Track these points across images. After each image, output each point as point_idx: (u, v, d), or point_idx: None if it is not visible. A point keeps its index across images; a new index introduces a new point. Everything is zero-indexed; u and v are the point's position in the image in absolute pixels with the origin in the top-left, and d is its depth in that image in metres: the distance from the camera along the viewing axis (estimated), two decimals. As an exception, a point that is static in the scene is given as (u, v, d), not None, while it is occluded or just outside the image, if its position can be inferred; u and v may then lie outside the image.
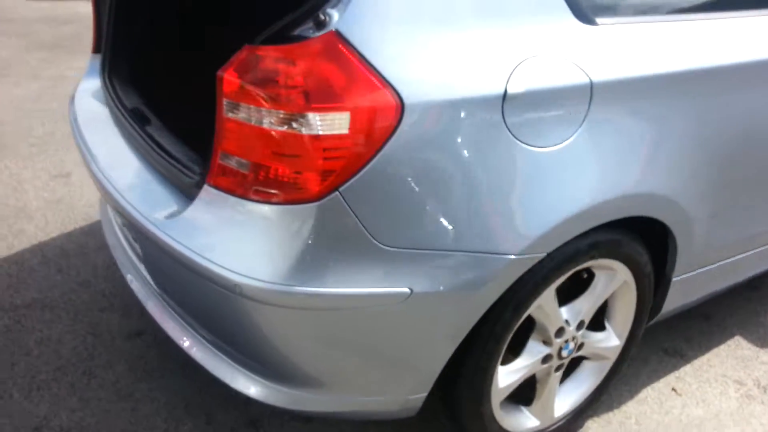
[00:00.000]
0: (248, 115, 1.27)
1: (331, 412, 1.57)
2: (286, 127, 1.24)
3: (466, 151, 1.31)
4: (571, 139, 1.41)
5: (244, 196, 1.32)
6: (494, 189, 1.35)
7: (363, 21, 1.23)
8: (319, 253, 1.29)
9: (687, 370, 2.23)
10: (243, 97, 1.27)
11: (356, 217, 1.28)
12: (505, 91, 1.31)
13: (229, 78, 1.27)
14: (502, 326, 1.51)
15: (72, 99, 2.08)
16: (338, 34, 1.22)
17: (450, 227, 1.34)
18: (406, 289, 1.34)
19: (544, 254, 1.44)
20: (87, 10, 6.63)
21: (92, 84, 2.13)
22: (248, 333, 1.42)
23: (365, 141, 1.24)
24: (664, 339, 2.34)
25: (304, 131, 1.23)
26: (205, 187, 1.38)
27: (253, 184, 1.30)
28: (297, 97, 1.22)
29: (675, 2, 1.61)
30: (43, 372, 2.05)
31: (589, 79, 1.40)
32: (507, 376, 1.65)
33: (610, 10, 1.47)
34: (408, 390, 1.52)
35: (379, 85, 1.23)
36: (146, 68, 2.11)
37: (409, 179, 1.29)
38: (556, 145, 1.39)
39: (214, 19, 2.43)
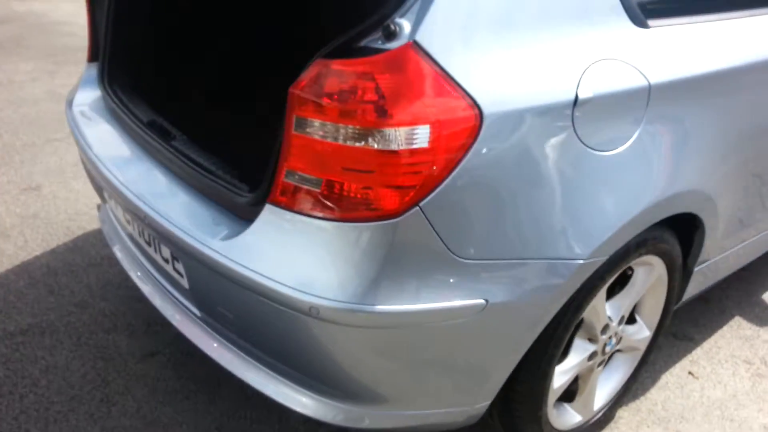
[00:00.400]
0: (321, 131, 1.21)
1: (394, 428, 1.54)
2: (363, 142, 1.19)
3: (538, 159, 1.30)
4: (631, 141, 1.42)
5: (313, 215, 1.26)
6: (564, 195, 1.35)
7: (439, 31, 1.19)
8: (399, 269, 1.25)
9: (698, 353, 2.31)
10: (316, 113, 1.21)
11: (435, 231, 1.24)
12: (576, 96, 1.31)
13: (301, 94, 1.21)
14: (563, 329, 1.51)
15: (71, 111, 1.94)
16: (416, 45, 1.17)
17: (524, 236, 1.32)
18: (482, 301, 1.32)
19: (607, 257, 1.45)
20: (24, 8, 6.24)
21: (90, 94, 1.99)
22: (315, 353, 1.37)
23: (446, 154, 1.20)
24: (671, 324, 2.41)
25: (384, 146, 1.18)
26: (267, 206, 1.31)
27: (324, 202, 1.24)
28: (375, 112, 1.17)
29: (716, 2, 1.65)
30: (57, 403, 1.91)
31: (647, 81, 1.41)
32: (559, 377, 1.66)
33: (659, 13, 1.48)
34: (475, 400, 1.51)
35: (459, 97, 1.20)
36: (151, 76, 1.99)
37: (486, 190, 1.26)
38: (617, 148, 1.40)
39: (219, 24, 2.33)
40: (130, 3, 1.93)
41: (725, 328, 2.44)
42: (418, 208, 1.21)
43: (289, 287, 1.26)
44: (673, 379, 2.18)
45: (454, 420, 1.54)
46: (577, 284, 1.43)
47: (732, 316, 2.50)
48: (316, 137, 1.22)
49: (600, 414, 1.92)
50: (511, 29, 1.26)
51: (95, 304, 2.31)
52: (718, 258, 2.02)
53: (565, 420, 1.81)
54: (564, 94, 1.30)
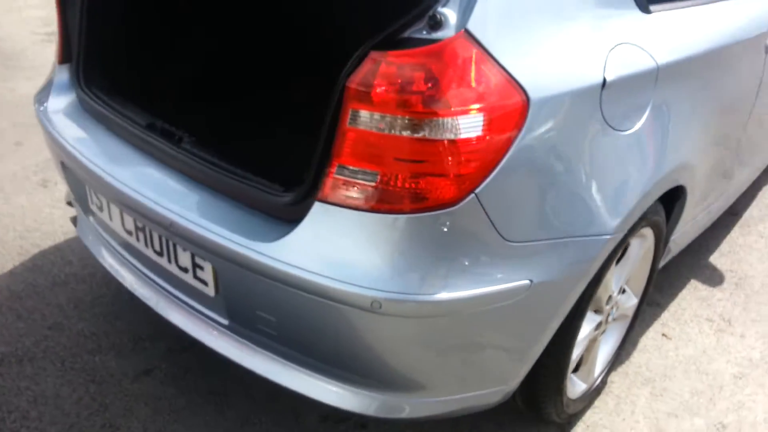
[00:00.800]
0: (377, 123, 1.21)
1: (432, 415, 1.56)
2: (420, 133, 1.20)
3: (573, 141, 1.37)
4: (643, 119, 1.52)
5: (368, 209, 1.26)
6: (595, 174, 1.42)
7: (487, 19, 1.22)
8: (456, 257, 1.28)
9: (666, 316, 2.49)
10: (372, 106, 1.21)
11: (488, 217, 1.28)
12: (604, 79, 1.38)
13: (357, 87, 1.20)
14: (585, 302, 1.59)
15: (47, 116, 1.80)
16: (468, 34, 1.20)
17: (562, 216, 1.39)
18: (527, 281, 1.37)
19: (625, 231, 1.54)
20: None
21: (65, 98, 1.86)
22: (363, 347, 1.37)
23: (498, 140, 1.24)
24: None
25: (440, 136, 1.20)
26: (317, 204, 1.30)
27: (380, 195, 1.25)
28: (431, 102, 1.19)
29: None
30: (55, 434, 1.79)
31: (655, 62, 1.51)
32: (575, 348, 1.74)
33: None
34: (512, 378, 1.56)
35: (508, 83, 1.24)
36: (131, 77, 1.89)
37: (532, 173, 1.31)
38: (633, 127, 1.50)
39: (201, 20, 2.24)
40: (104, 2, 1.82)
41: (684, 291, 2.65)
42: (474, 195, 1.25)
43: (350, 284, 1.26)
44: (650, 342, 2.35)
45: (489, 401, 1.59)
46: (603, 258, 1.52)
47: (688, 280, 2.71)
48: (372, 130, 1.22)
49: (599, 380, 2.03)
50: (546, 16, 1.32)
51: (72, 325, 2.17)
52: (687, 226, 2.19)
53: (573, 389, 1.90)
54: (594, 77, 1.38)
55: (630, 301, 2.03)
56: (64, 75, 1.89)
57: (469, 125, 1.21)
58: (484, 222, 1.28)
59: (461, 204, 1.24)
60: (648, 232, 1.85)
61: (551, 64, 1.31)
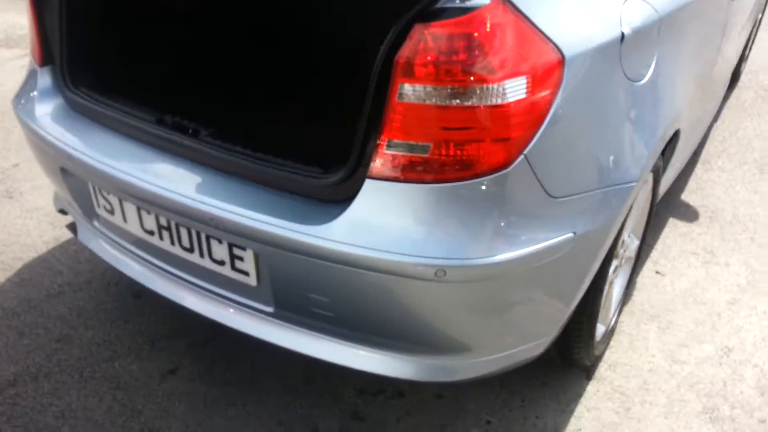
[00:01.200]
0: (426, 95, 1.21)
1: (480, 375, 1.60)
2: (469, 101, 1.21)
3: (602, 94, 1.41)
4: (651, 69, 1.57)
5: (422, 181, 1.27)
6: (622, 125, 1.48)
7: None
8: (509, 219, 1.31)
9: (656, 254, 2.62)
10: (421, 79, 1.21)
11: (536, 176, 1.31)
12: (622, 33, 1.42)
13: (405, 61, 1.20)
14: (612, 248, 1.66)
15: (36, 122, 1.70)
16: (507, 1, 1.21)
17: (598, 167, 1.44)
18: (571, 234, 1.41)
19: (646, 177, 1.61)
20: None
21: (50, 102, 1.76)
22: (422, 316, 1.39)
23: (541, 100, 1.27)
24: (623, 235, 2.71)
25: (488, 102, 1.22)
26: (368, 181, 1.29)
27: (433, 165, 1.26)
28: (479, 69, 1.20)
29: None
30: (93, 446, 1.74)
31: (658, 14, 1.56)
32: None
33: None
34: (555, 329, 1.62)
35: (545, 45, 1.26)
36: (120, 73, 1.80)
37: (570, 129, 1.35)
38: (644, 78, 1.55)
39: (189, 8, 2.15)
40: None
41: (666, 229, 2.79)
42: (523, 156, 1.27)
43: (413, 255, 1.27)
44: (646, 280, 2.47)
45: (533, 354, 1.64)
46: (630, 205, 1.58)
47: (667, 219, 2.86)
48: (421, 102, 1.22)
49: (612, 321, 2.13)
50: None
51: (80, 334, 2.09)
52: (673, 169, 2.30)
53: (596, 332, 1.99)
54: (615, 32, 1.42)
55: (634, 243, 2.13)
56: (46, 77, 1.79)
57: (515, 88, 1.23)
58: (532, 182, 1.31)
59: (512, 166, 1.27)
60: (650, 177, 1.93)
61: (578, 22, 1.34)
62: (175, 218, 1.53)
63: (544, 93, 1.27)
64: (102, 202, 1.70)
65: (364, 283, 1.34)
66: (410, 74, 1.21)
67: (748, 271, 2.53)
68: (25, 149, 3.19)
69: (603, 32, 1.39)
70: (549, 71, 1.27)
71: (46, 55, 1.77)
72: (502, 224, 1.30)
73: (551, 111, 1.29)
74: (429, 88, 1.21)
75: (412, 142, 1.25)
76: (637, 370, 2.07)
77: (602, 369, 2.06)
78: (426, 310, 1.37)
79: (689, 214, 2.90)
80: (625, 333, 2.21)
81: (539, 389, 1.97)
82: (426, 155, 1.25)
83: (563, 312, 1.59)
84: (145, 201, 1.55)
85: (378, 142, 1.27)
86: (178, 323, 2.13)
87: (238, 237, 1.43)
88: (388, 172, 1.28)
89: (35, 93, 1.77)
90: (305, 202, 1.40)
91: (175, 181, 1.51)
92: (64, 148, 1.64)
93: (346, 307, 1.42)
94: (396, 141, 1.26)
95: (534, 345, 1.62)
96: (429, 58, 1.19)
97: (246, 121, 1.86)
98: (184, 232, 1.55)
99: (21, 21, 5.05)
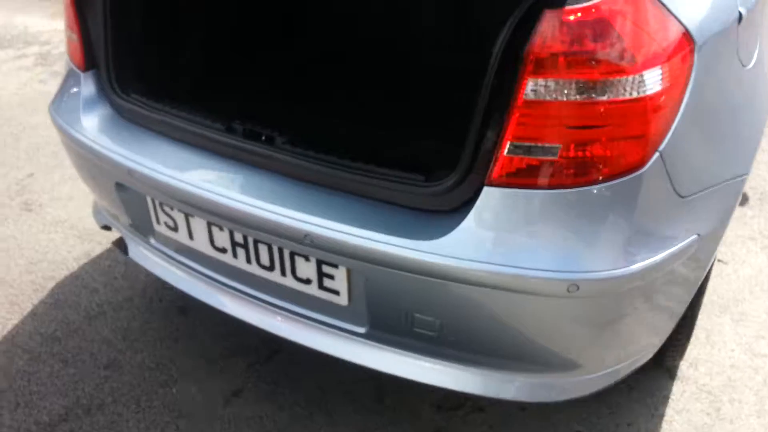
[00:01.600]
0: (559, 91, 1.09)
1: (590, 392, 1.49)
2: (606, 95, 1.09)
3: (723, 81, 1.30)
4: (756, 54, 1.46)
5: (549, 186, 1.15)
6: (740, 113, 1.37)
7: None
8: (643, 222, 1.20)
9: (713, 241, 2.53)
10: (554, 73, 1.08)
11: (668, 175, 1.20)
12: (740, 13, 1.31)
13: (537, 53, 1.07)
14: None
15: (87, 136, 1.55)
16: None
17: (720, 160, 1.33)
18: (696, 235, 1.31)
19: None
20: None
21: (97, 111, 1.61)
22: (538, 335, 1.28)
23: (676, 91, 1.15)
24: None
25: (628, 95, 1.10)
26: (486, 189, 1.17)
27: (562, 169, 1.13)
28: (618, 60, 1.08)
29: None
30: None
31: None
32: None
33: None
34: (664, 334, 1.51)
35: (679, 30, 1.14)
36: (177, 76, 1.65)
37: (698, 121, 1.24)
38: (751, 62, 1.44)
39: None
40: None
41: (718, 214, 2.70)
42: (658, 154, 1.16)
43: (542, 270, 1.15)
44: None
45: (641, 363, 1.53)
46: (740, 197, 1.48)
47: (717, 203, 2.77)
48: (552, 99, 1.10)
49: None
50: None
51: (129, 359, 1.95)
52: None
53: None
54: (734, 12, 1.30)
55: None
56: (89, 84, 1.63)
57: (653, 80, 1.11)
58: (665, 181, 1.19)
59: (648, 165, 1.15)
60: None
61: (702, 5, 1.22)
62: (255, 234, 1.39)
63: (680, 82, 1.15)
64: (163, 218, 1.56)
65: (481, 302, 1.22)
66: (541, 69, 1.08)
67: (812, 255, 2.46)
68: (38, 157, 3.01)
69: (725, 13, 1.27)
70: (683, 58, 1.15)
71: (89, 58, 1.61)
72: (636, 229, 1.19)
73: (684, 101, 1.17)
74: (562, 83, 1.08)
75: (540, 144, 1.13)
76: (720, 366, 1.98)
77: (684, 367, 1.97)
78: (547, 327, 1.26)
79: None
80: (700, 327, 2.11)
81: (625, 394, 1.87)
82: (554, 157, 1.13)
83: (674, 318, 1.48)
84: (219, 216, 1.41)
85: (498, 144, 1.14)
86: (234, 341, 1.99)
87: (332, 254, 1.30)
88: (511, 178, 1.15)
89: (79, 101, 1.61)
90: (407, 213, 1.27)
91: (254, 193, 1.37)
92: (122, 161, 1.49)
93: (455, 327, 1.30)
94: (521, 143, 1.13)
95: (644, 354, 1.51)
96: (563, 49, 1.07)
97: (325, 126, 1.71)
98: (263, 249, 1.42)
99: (13, 21, 4.81)
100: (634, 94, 1.10)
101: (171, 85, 1.64)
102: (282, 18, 2.23)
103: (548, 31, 1.07)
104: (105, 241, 2.41)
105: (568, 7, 1.07)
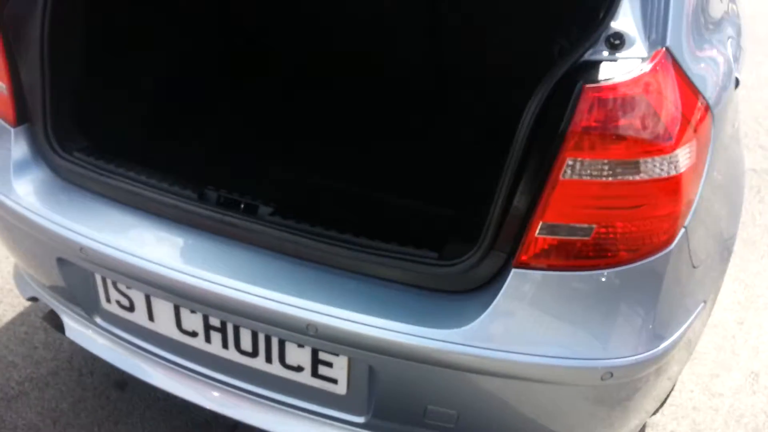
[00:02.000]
0: (598, 170, 1.01)
1: None
2: (644, 173, 1.03)
3: (726, 147, 1.29)
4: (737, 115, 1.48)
5: (580, 267, 1.07)
6: (734, 173, 1.37)
7: (681, 33, 1.09)
8: (668, 299, 1.14)
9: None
10: (593, 151, 1.00)
11: (689, 247, 1.16)
12: (736, 79, 1.31)
13: (577, 131, 0.99)
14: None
15: (24, 205, 1.30)
16: (669, 54, 1.05)
17: (725, 222, 1.34)
18: (702, 303, 1.28)
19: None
20: None
21: (32, 174, 1.37)
22: (560, 422, 1.20)
23: (701, 163, 1.12)
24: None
25: (663, 173, 1.04)
26: (514, 272, 1.07)
27: (595, 250, 1.06)
28: (656, 138, 1.02)
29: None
30: None
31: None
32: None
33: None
34: (658, 404, 1.48)
35: (701, 102, 1.11)
36: (129, 131, 1.44)
37: (713, 190, 1.21)
38: (736, 124, 1.45)
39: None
40: (68, 41, 1.35)
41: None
42: (684, 229, 1.12)
43: (575, 359, 1.07)
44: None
45: None
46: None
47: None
48: (590, 178, 1.02)
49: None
50: (700, 29, 1.20)
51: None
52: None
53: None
54: (731, 76, 1.30)
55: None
56: (21, 141, 1.38)
57: (685, 156, 1.06)
58: (686, 254, 1.15)
59: (675, 242, 1.10)
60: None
61: (712, 71, 1.20)
62: (237, 320, 1.22)
63: (704, 155, 1.12)
64: (115, 296, 1.35)
65: (506, 393, 1.12)
66: (581, 147, 1.00)
67: (743, 287, 2.57)
68: None
69: (729, 80, 1.27)
70: (707, 131, 1.12)
71: (20, 111, 1.37)
72: (662, 308, 1.13)
73: (704, 173, 1.14)
74: (601, 162, 1.01)
75: (574, 224, 1.05)
76: (683, 409, 2.00)
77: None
78: (574, 414, 1.18)
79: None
80: (659, 368, 2.14)
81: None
82: (587, 238, 1.05)
83: (673, 380, 1.46)
84: (193, 300, 1.22)
85: (529, 224, 1.05)
86: (184, 419, 1.78)
87: (333, 344, 1.15)
88: (542, 260, 1.07)
89: (9, 161, 1.36)
90: (420, 295, 1.15)
91: (237, 274, 1.19)
92: (69, 235, 1.26)
93: (473, 418, 1.19)
94: (554, 224, 1.04)
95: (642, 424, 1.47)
96: (604, 127, 0.99)
97: (317, 190, 1.53)
98: (246, 334, 1.24)
99: None
100: (671, 172, 1.05)
101: (124, 140, 1.42)
102: (263, 55, 1.96)
103: (589, 108, 0.99)
104: (18, 302, 2.10)
105: (606, 83, 1.00)
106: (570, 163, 1.01)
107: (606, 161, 1.01)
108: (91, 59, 1.42)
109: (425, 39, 1.95)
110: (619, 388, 1.15)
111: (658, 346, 1.12)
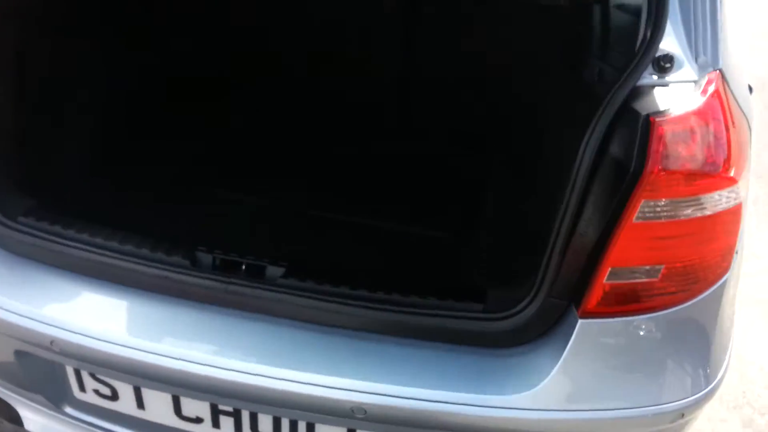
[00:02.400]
0: (672, 209, 0.93)
1: None
2: (714, 207, 0.96)
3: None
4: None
5: (648, 309, 0.99)
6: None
7: (726, 54, 1.02)
8: (721, 327, 1.09)
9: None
10: (669, 190, 0.92)
11: (732, 271, 1.11)
12: (749, 87, 1.27)
13: (653, 173, 0.89)
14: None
15: None
16: (723, 78, 0.98)
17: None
18: (730, 321, 1.24)
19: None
20: None
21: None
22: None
23: (745, 189, 1.06)
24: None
25: (728, 205, 0.98)
26: (582, 322, 0.97)
27: (664, 288, 0.99)
28: (725, 171, 0.95)
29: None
30: None
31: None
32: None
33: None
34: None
35: (747, 124, 1.07)
36: (89, 180, 1.19)
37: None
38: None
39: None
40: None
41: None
42: (736, 254, 1.07)
43: (653, 405, 0.99)
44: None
45: None
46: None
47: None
48: (663, 219, 0.93)
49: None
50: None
51: None
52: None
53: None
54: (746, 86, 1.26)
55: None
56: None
57: (744, 184, 1.00)
58: (737, 274, 1.11)
59: (730, 269, 1.05)
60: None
61: (746, 90, 1.15)
62: (256, 407, 1.04)
63: (746, 178, 1.07)
64: (92, 385, 1.12)
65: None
66: (657, 187, 0.91)
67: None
68: None
69: (747, 95, 1.22)
70: (749, 148, 1.07)
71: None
72: (719, 333, 1.08)
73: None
74: (676, 202, 0.92)
75: (643, 266, 0.96)
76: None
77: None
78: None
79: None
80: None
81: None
82: (656, 278, 0.97)
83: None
84: (198, 390, 1.03)
85: (596, 270, 0.95)
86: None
87: (378, 424, 1.00)
88: (611, 307, 0.97)
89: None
90: (469, 353, 1.02)
91: (250, 354, 1.00)
92: (28, 324, 1.02)
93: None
94: (624, 268, 0.95)
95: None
96: (679, 164, 0.90)
97: (333, 241, 1.33)
98: (266, 420, 1.07)
99: None
100: (736, 202, 0.98)
101: (79, 192, 1.17)
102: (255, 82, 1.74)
103: (661, 144, 0.90)
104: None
105: (674, 115, 0.91)
106: (644, 205, 0.91)
107: (680, 200, 0.93)
108: (25, 95, 1.15)
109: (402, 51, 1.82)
110: (681, 427, 1.09)
111: (716, 377, 1.07)
